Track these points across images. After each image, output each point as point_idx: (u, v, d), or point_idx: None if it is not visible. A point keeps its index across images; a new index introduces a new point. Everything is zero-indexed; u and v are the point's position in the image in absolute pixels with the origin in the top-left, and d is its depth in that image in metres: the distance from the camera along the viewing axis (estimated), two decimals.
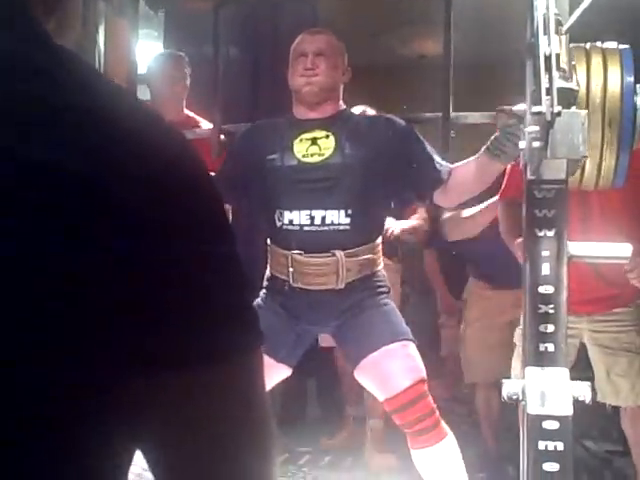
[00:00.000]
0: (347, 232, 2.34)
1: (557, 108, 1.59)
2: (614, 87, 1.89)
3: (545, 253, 1.90)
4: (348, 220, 2.33)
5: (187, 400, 0.59)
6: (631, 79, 1.90)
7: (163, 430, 0.60)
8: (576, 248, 1.93)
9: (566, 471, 1.82)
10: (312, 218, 2.33)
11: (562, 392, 1.85)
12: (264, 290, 2.51)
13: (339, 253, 2.34)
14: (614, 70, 1.90)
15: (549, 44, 1.63)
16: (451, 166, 2.39)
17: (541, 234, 1.90)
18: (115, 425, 0.59)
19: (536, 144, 1.80)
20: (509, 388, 1.92)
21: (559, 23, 1.75)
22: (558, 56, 1.68)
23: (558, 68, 1.66)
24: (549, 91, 1.61)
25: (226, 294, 0.60)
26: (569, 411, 1.84)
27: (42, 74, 0.56)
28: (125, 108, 0.59)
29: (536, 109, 1.65)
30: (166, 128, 0.61)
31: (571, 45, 1.84)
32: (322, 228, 2.33)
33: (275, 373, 2.41)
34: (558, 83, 1.64)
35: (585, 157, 1.75)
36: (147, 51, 4.36)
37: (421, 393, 2.32)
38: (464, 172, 2.35)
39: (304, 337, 2.51)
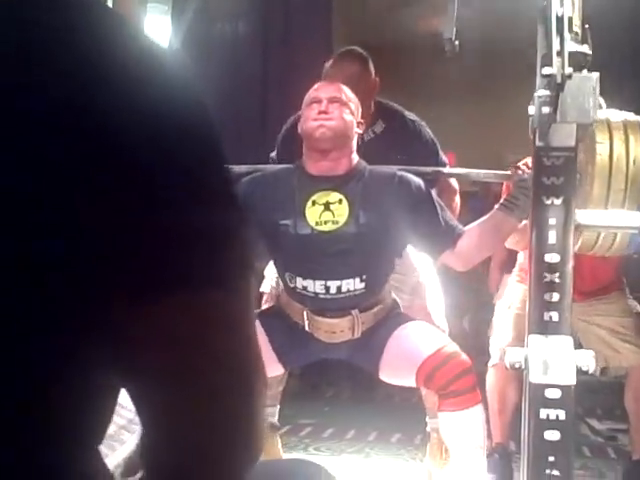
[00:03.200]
0: (363, 294, 2.33)
1: (568, 70, 1.57)
2: (636, 158, 1.93)
3: (552, 221, 1.88)
4: (363, 285, 2.31)
5: (171, 329, 0.58)
6: None
7: (145, 361, 0.59)
8: (584, 216, 1.91)
9: (567, 440, 1.81)
10: (327, 288, 2.30)
11: (565, 361, 1.83)
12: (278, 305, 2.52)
13: (355, 312, 2.34)
14: (636, 144, 1.94)
15: (562, 5, 1.60)
16: (463, 229, 2.34)
17: (548, 202, 1.88)
18: (98, 358, 0.58)
19: (545, 109, 1.78)
20: (512, 356, 1.91)
21: None
22: (571, 19, 1.65)
23: (570, 30, 1.63)
24: (560, 53, 1.59)
25: (217, 222, 0.59)
26: (572, 380, 1.82)
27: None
28: (121, 41, 0.58)
29: (546, 71, 1.62)
30: (171, 70, 0.60)
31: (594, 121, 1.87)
32: (338, 296, 2.31)
33: (270, 368, 2.40)
34: (570, 45, 1.61)
35: (595, 121, 1.72)
36: (156, 25, 4.32)
37: (453, 352, 2.27)
38: (477, 232, 2.32)
39: (314, 355, 2.52)
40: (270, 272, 2.79)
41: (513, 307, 2.95)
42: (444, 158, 2.91)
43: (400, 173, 2.37)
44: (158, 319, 0.57)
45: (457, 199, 2.98)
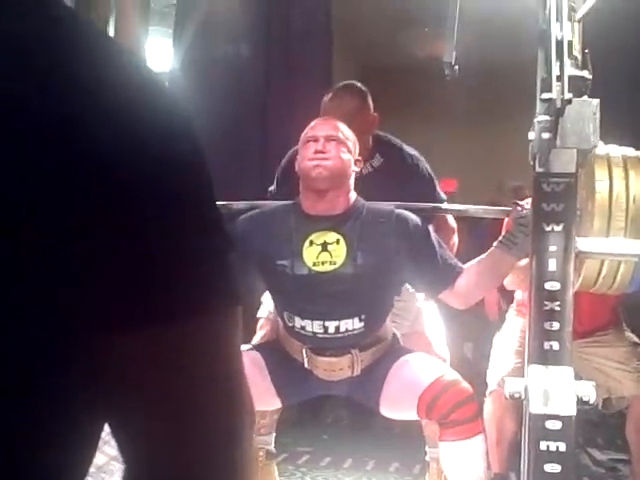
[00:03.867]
0: (362, 334, 2.31)
1: (568, 95, 1.55)
2: (636, 195, 1.92)
3: (552, 248, 1.85)
4: (362, 324, 2.29)
5: (151, 358, 0.56)
6: None
7: (125, 392, 0.57)
8: (584, 244, 1.88)
9: (568, 472, 1.77)
10: (325, 328, 2.28)
11: (566, 391, 1.80)
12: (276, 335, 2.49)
13: (354, 351, 2.32)
14: (636, 180, 1.93)
15: (561, 29, 1.59)
16: (462, 267, 2.32)
17: (549, 229, 1.85)
18: (76, 390, 0.56)
19: (545, 135, 1.76)
20: (511, 386, 1.87)
21: (572, 10, 1.71)
22: (570, 43, 1.63)
23: (570, 55, 1.62)
24: (560, 78, 1.57)
25: (203, 249, 0.57)
26: (572, 411, 1.79)
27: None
28: (104, 52, 0.57)
29: (546, 96, 1.60)
30: (152, 80, 0.58)
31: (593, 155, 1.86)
32: (336, 335, 2.29)
33: (268, 401, 2.40)
34: (570, 70, 1.59)
35: (595, 146, 1.70)
36: (157, 48, 4.35)
37: (454, 379, 2.24)
38: (475, 270, 2.29)
39: (312, 392, 2.50)
40: (268, 298, 2.76)
41: (512, 339, 2.94)
42: (442, 194, 2.89)
43: (398, 211, 2.34)
44: (138, 348, 0.55)
45: (455, 238, 2.94)
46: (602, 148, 1.94)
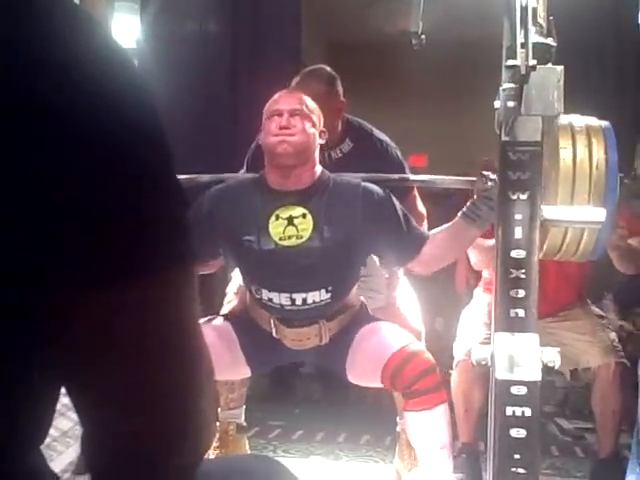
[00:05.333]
0: (329, 304, 2.32)
1: (532, 62, 1.55)
2: (599, 164, 1.94)
3: (518, 216, 1.86)
4: (329, 295, 2.30)
5: (108, 321, 0.56)
6: (615, 156, 1.95)
7: (81, 355, 0.57)
8: (550, 212, 1.90)
9: (533, 437, 1.79)
10: (293, 300, 2.29)
11: (531, 357, 1.82)
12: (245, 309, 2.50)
13: (322, 321, 2.34)
14: (599, 148, 1.95)
15: None
16: (427, 234, 2.35)
17: (514, 197, 1.86)
18: (35, 354, 0.56)
19: (510, 103, 1.76)
20: (478, 353, 1.89)
21: None
22: (535, 10, 1.64)
23: (535, 22, 1.62)
24: (524, 45, 1.57)
25: (156, 206, 0.57)
26: (537, 376, 1.81)
27: None
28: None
29: (511, 62, 1.60)
30: (104, 40, 0.58)
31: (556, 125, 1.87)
32: (303, 307, 2.30)
33: (237, 370, 2.42)
34: (534, 37, 1.60)
35: (560, 113, 1.71)
36: (124, 24, 4.28)
37: (417, 350, 2.26)
38: (440, 240, 2.32)
39: (281, 360, 2.52)
40: (237, 274, 2.76)
41: (479, 312, 2.96)
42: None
43: (364, 184, 2.35)
44: (94, 312, 0.55)
45: (425, 224, 2.94)
46: (565, 118, 1.95)
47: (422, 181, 2.73)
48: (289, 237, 2.28)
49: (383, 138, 2.91)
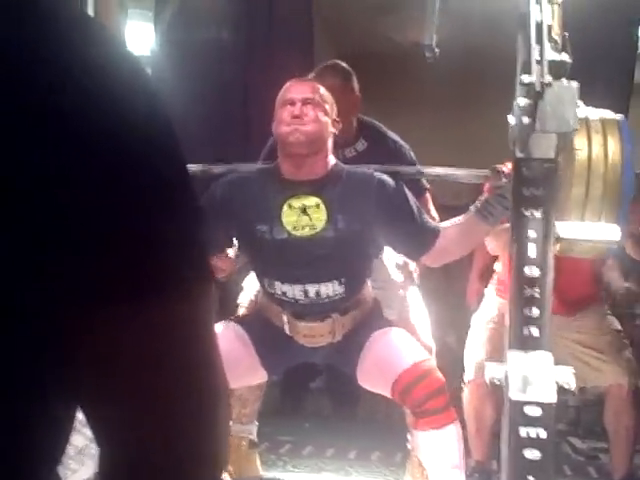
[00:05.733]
0: (342, 298, 2.30)
1: (547, 78, 1.53)
2: (614, 158, 1.90)
3: (532, 234, 1.85)
4: (342, 288, 2.28)
5: (124, 342, 0.54)
6: (630, 148, 1.92)
7: (98, 376, 0.56)
8: (564, 229, 1.88)
9: (547, 459, 1.76)
10: (306, 292, 2.27)
11: (545, 378, 1.79)
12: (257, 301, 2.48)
13: (335, 315, 2.32)
14: (614, 141, 1.91)
15: (541, 12, 1.57)
16: (440, 227, 2.32)
17: (528, 214, 1.85)
18: (51, 375, 0.55)
19: (525, 119, 1.74)
20: (491, 372, 1.87)
21: None
22: (550, 27, 1.62)
23: (550, 39, 1.60)
24: (540, 61, 1.55)
25: (174, 225, 0.56)
26: (552, 398, 1.78)
27: None
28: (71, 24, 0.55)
29: (526, 79, 1.59)
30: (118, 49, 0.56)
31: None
32: (317, 300, 2.28)
33: (254, 374, 2.40)
34: (549, 54, 1.58)
35: (575, 130, 1.69)
36: (138, 31, 4.29)
37: (428, 369, 2.24)
38: (451, 234, 2.29)
39: (295, 359, 2.50)
40: (249, 284, 2.74)
41: (490, 321, 2.90)
42: (425, 182, 2.87)
43: (378, 175, 2.32)
44: (108, 330, 0.53)
45: None
46: (580, 111, 1.89)
47: (436, 174, 2.69)
48: (302, 227, 2.25)
49: (396, 139, 2.91)
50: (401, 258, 2.65)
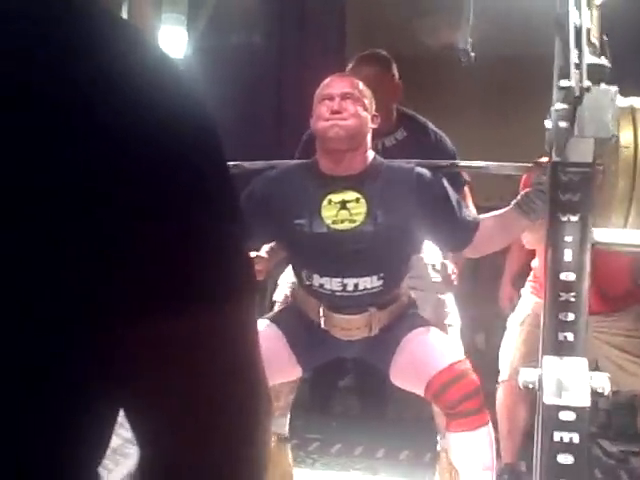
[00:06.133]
0: (380, 292, 2.30)
1: (586, 83, 1.52)
2: None
3: (568, 239, 1.84)
4: (381, 282, 2.28)
5: (169, 346, 0.55)
6: None
7: (143, 379, 0.56)
8: (600, 235, 1.86)
9: (581, 464, 1.75)
10: (344, 285, 2.27)
11: (580, 382, 1.78)
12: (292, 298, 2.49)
13: (372, 309, 2.32)
14: None
15: (580, 16, 1.56)
16: (479, 219, 2.31)
17: (564, 219, 1.83)
18: (96, 376, 0.55)
19: (563, 124, 1.73)
20: (526, 376, 1.86)
21: None
22: (589, 30, 1.61)
23: (589, 42, 1.59)
24: (578, 66, 1.54)
25: (221, 236, 0.56)
26: (586, 402, 1.77)
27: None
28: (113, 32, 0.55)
29: (564, 83, 1.58)
30: (167, 64, 0.57)
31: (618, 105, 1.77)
32: (355, 294, 2.28)
33: (290, 371, 2.40)
34: (588, 58, 1.57)
35: (615, 136, 1.67)
36: (171, 35, 4.30)
37: (464, 370, 2.23)
38: (490, 226, 2.28)
39: (329, 354, 2.49)
40: (284, 281, 2.75)
41: (525, 322, 2.87)
42: (465, 175, 2.85)
43: (418, 170, 2.31)
44: (156, 335, 0.54)
45: None
46: (625, 100, 1.84)
47: (475, 167, 2.67)
48: (342, 221, 2.25)
49: (437, 130, 2.89)
50: (439, 260, 2.64)
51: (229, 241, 0.57)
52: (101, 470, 0.67)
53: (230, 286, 0.57)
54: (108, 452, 0.64)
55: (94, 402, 0.57)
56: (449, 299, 2.79)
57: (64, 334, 0.53)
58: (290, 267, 2.63)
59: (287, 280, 2.71)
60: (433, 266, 2.69)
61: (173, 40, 4.02)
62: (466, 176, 2.87)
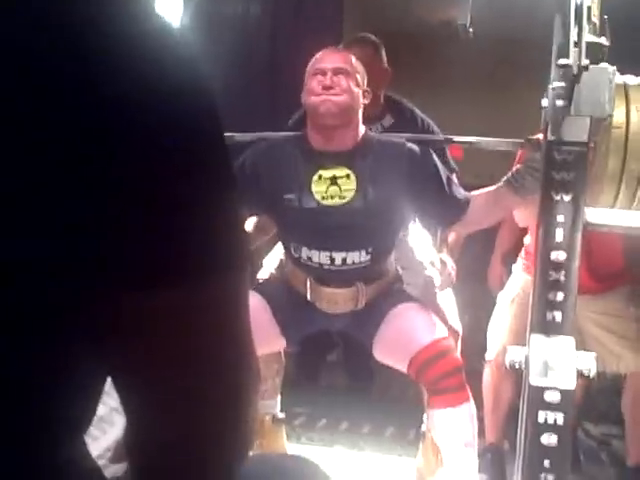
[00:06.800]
0: (368, 267, 2.30)
1: (585, 61, 1.51)
2: None
3: (560, 218, 1.83)
4: (369, 257, 2.28)
5: (160, 318, 0.55)
6: None
7: (132, 351, 0.56)
8: (593, 215, 1.86)
9: (564, 444, 1.76)
10: (332, 259, 2.27)
11: (566, 363, 1.78)
12: (279, 272, 2.49)
13: (359, 284, 2.32)
14: None
15: None
16: (470, 195, 2.31)
17: (557, 197, 1.82)
18: (85, 348, 0.56)
19: (559, 102, 1.72)
20: (513, 355, 1.86)
21: None
22: (590, 9, 1.59)
23: (589, 21, 1.57)
24: (577, 44, 1.53)
25: (213, 210, 0.56)
26: (572, 384, 1.77)
27: None
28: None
29: (562, 61, 1.56)
30: (170, 35, 0.56)
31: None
32: (343, 267, 2.28)
33: (273, 343, 2.41)
34: (588, 36, 1.55)
35: (610, 116, 1.66)
36: (167, 3, 4.26)
37: (447, 347, 2.25)
38: (481, 202, 2.29)
39: (314, 326, 2.49)
40: (269, 262, 2.74)
41: (515, 301, 2.86)
42: (452, 162, 2.85)
43: (408, 145, 2.31)
44: (145, 305, 0.54)
45: None
46: (618, 77, 1.80)
47: (467, 142, 2.66)
48: (332, 197, 2.25)
49: (424, 117, 2.91)
50: (437, 256, 2.63)
51: (223, 210, 0.57)
52: (87, 438, 0.67)
53: (223, 256, 0.57)
54: (95, 420, 0.64)
55: (82, 371, 0.58)
56: (438, 279, 2.79)
57: (55, 303, 0.52)
58: (275, 249, 2.63)
59: (272, 261, 2.70)
60: (431, 262, 2.67)
61: (169, 8, 3.99)
62: (454, 165, 2.87)
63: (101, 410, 0.66)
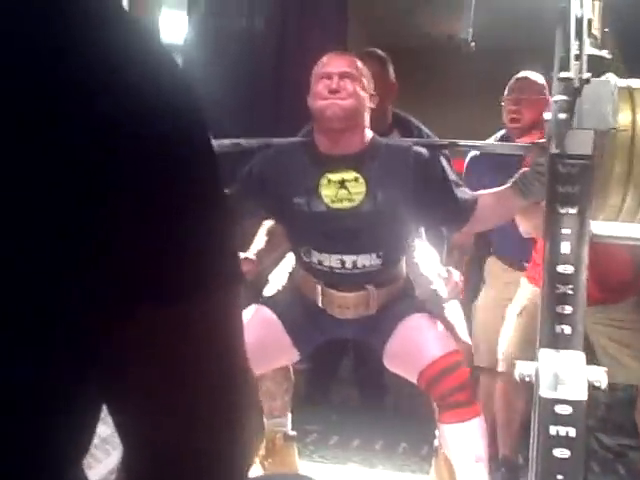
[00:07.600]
0: (379, 270, 2.29)
1: (586, 74, 1.51)
2: None
3: (566, 231, 1.82)
4: (380, 261, 2.27)
5: (153, 341, 0.54)
6: None
7: (126, 375, 0.56)
8: (599, 228, 1.85)
9: (577, 458, 1.75)
10: (343, 262, 2.26)
11: (577, 376, 1.77)
12: (288, 282, 2.48)
13: (370, 287, 2.31)
14: None
15: (581, 7, 1.55)
16: (476, 196, 2.30)
17: (563, 211, 1.82)
18: (79, 372, 0.55)
19: (562, 115, 1.72)
20: (522, 369, 1.85)
21: None
22: (590, 21, 1.59)
23: (590, 34, 1.58)
24: (578, 57, 1.53)
25: (205, 226, 0.55)
26: (583, 396, 1.76)
27: None
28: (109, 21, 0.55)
29: (564, 74, 1.56)
30: (157, 50, 0.56)
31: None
32: (353, 271, 2.27)
33: (286, 356, 2.40)
34: (589, 49, 1.55)
35: (613, 129, 1.66)
36: (172, 20, 4.30)
37: (457, 361, 2.23)
38: (487, 204, 2.29)
39: (326, 334, 2.47)
40: (275, 278, 2.74)
41: (523, 313, 2.83)
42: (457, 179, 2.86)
43: (415, 148, 2.31)
44: (139, 331, 0.54)
45: None
46: (622, 81, 1.80)
47: (474, 146, 2.65)
48: (341, 200, 2.25)
49: (431, 134, 2.91)
50: (444, 269, 2.62)
51: (214, 230, 0.57)
52: (88, 459, 0.66)
53: (215, 272, 0.56)
54: (97, 442, 0.64)
55: (77, 395, 0.57)
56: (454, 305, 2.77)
57: (49, 325, 0.52)
58: (281, 265, 2.63)
59: (280, 274, 2.70)
60: (438, 274, 2.66)
61: (174, 23, 4.02)
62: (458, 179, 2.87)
63: (104, 432, 0.65)
